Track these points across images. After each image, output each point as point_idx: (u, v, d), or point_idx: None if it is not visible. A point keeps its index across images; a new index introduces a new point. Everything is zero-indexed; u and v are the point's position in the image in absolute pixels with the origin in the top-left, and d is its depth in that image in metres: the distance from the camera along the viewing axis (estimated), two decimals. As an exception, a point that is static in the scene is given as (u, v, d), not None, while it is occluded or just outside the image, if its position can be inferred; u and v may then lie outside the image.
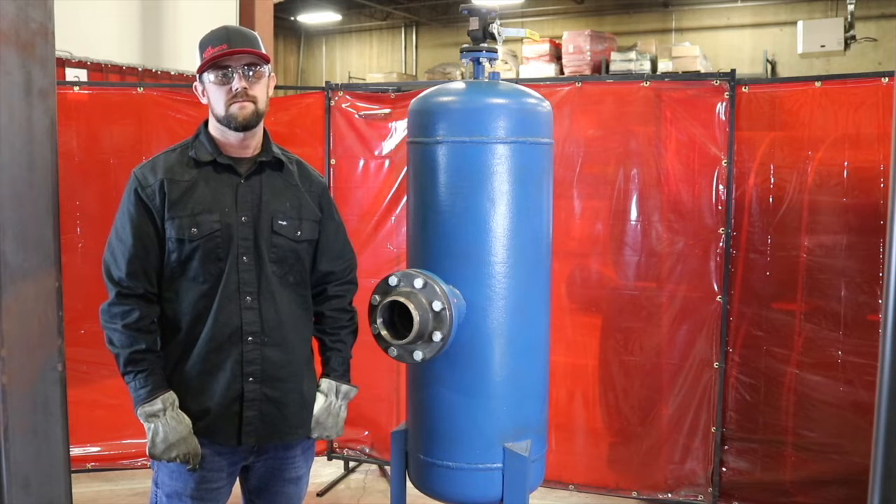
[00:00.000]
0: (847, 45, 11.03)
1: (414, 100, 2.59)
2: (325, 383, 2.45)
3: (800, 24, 11.43)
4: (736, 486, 3.89)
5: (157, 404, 2.22)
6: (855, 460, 3.50)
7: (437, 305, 2.30)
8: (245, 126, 2.27)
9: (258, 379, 2.30)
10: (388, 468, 4.32)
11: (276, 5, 8.98)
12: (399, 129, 4.23)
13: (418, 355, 2.35)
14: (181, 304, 2.29)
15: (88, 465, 4.31)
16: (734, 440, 3.89)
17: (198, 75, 2.32)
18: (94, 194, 4.27)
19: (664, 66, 11.07)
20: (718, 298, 3.80)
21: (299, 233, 2.37)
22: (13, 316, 1.16)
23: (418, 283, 2.33)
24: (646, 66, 11.11)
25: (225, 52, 2.23)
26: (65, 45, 6.56)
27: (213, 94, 2.28)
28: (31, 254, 1.21)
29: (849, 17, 10.80)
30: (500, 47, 2.62)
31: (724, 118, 3.76)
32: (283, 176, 2.39)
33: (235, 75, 2.25)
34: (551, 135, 2.58)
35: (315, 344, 2.52)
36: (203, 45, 2.28)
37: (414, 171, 2.55)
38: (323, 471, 4.56)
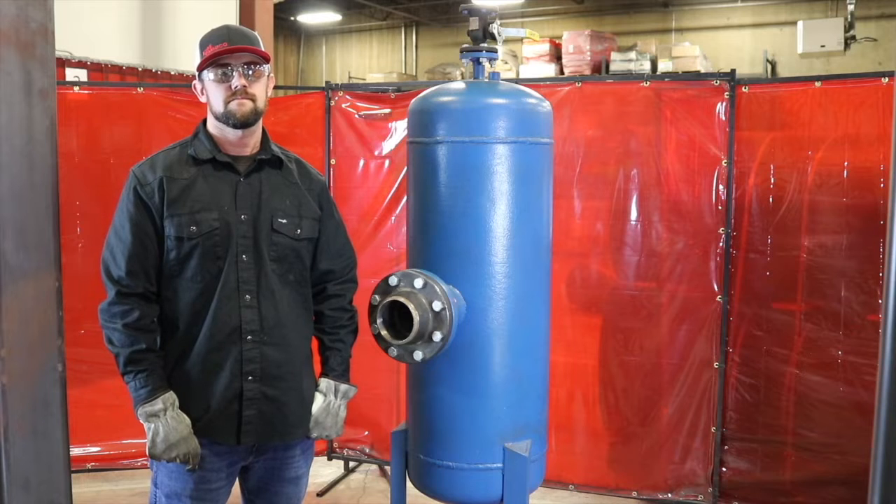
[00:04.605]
0: (847, 45, 11.03)
1: (414, 100, 2.59)
2: (324, 383, 2.45)
3: (800, 24, 11.43)
4: (736, 486, 3.89)
5: (158, 404, 2.21)
6: (855, 460, 3.50)
7: (437, 305, 2.30)
8: (243, 123, 2.27)
9: (257, 378, 2.30)
10: (388, 468, 4.32)
11: (276, 5, 8.98)
12: (399, 129, 4.23)
13: (418, 355, 2.35)
14: (179, 303, 2.29)
15: (88, 465, 4.31)
16: (734, 440, 3.89)
17: (197, 73, 2.32)
18: (94, 194, 4.27)
19: (664, 66, 11.08)
20: (718, 298, 3.80)
21: (299, 231, 2.36)
22: (13, 316, 1.16)
23: (418, 283, 2.33)
24: (646, 66, 11.11)
25: (225, 49, 2.23)
26: (65, 45, 6.55)
27: (212, 91, 2.28)
28: (31, 254, 1.21)
29: (849, 17, 10.80)
30: (500, 47, 2.62)
31: (724, 118, 3.76)
32: (283, 174, 2.39)
33: (235, 73, 2.25)
34: (551, 135, 2.58)
35: (315, 343, 2.52)
36: (203, 43, 2.28)
37: (414, 171, 2.55)
38: (323, 471, 4.56)
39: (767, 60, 12.45)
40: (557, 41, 11.89)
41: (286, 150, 2.47)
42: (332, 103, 4.39)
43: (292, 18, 15.95)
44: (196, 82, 2.34)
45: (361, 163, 4.38)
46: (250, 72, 2.27)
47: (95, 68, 6.90)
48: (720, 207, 3.79)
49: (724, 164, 3.76)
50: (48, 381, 1.24)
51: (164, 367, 2.28)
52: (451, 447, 2.47)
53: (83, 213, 4.27)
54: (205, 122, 2.37)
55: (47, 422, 1.24)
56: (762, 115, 3.81)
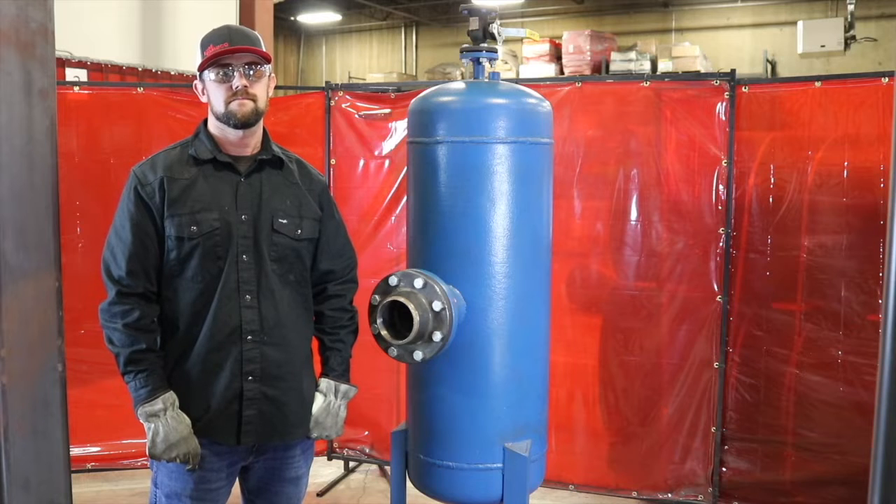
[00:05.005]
0: (847, 45, 11.03)
1: (414, 100, 2.59)
2: (324, 383, 2.45)
3: (800, 24, 11.43)
4: (736, 486, 3.89)
5: (158, 404, 2.22)
6: (855, 460, 3.50)
7: (437, 305, 2.30)
8: (244, 124, 2.27)
9: (257, 378, 2.30)
10: (388, 468, 4.32)
11: (276, 5, 8.98)
12: (399, 129, 4.23)
13: (418, 355, 2.35)
14: (180, 303, 2.29)
15: (88, 465, 4.31)
16: (734, 440, 3.89)
17: (198, 73, 2.32)
18: (94, 194, 4.27)
19: (664, 66, 11.07)
20: (718, 298, 3.80)
21: (300, 231, 2.36)
22: (13, 316, 1.16)
23: (418, 283, 2.33)
24: (646, 66, 11.11)
25: (226, 49, 2.23)
26: (65, 45, 6.55)
27: (213, 91, 2.28)
28: (31, 254, 1.21)
29: (849, 17, 10.80)
30: (500, 47, 2.62)
31: (724, 118, 3.76)
32: (284, 174, 2.39)
33: (236, 73, 2.25)
34: (551, 135, 2.58)
35: (315, 343, 2.52)
36: (204, 44, 2.28)
37: (414, 171, 2.55)
38: (323, 471, 4.56)
39: (767, 60, 12.45)
40: (557, 41, 11.89)
41: (287, 151, 2.47)
42: (332, 103, 4.39)
43: (292, 18, 15.94)
44: (197, 82, 2.34)
45: (361, 163, 4.38)
46: (251, 72, 2.27)
47: (95, 68, 6.90)
48: (720, 207, 3.79)
49: (724, 164, 3.76)
50: (48, 381, 1.24)
51: (164, 367, 2.29)
52: (451, 447, 2.47)
53: (83, 213, 4.27)
54: (206, 122, 2.37)
55: (47, 422, 1.24)
56: (762, 115, 3.81)
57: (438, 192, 2.44)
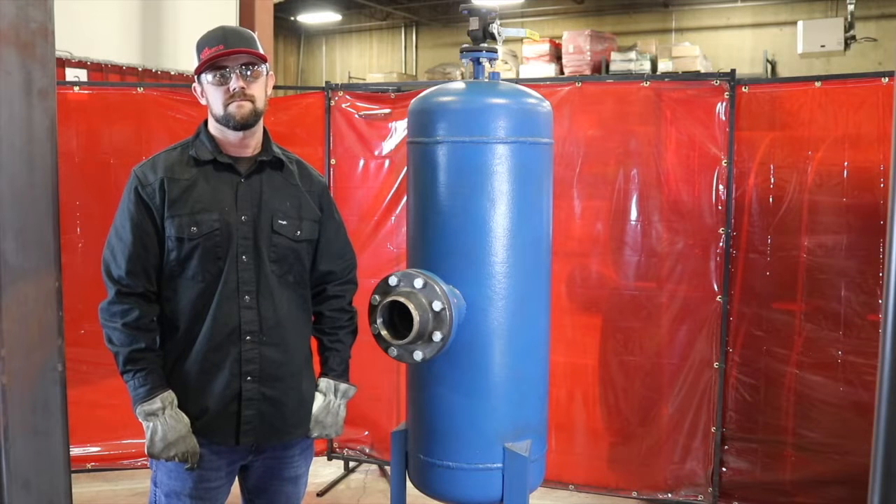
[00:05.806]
0: (847, 45, 11.02)
1: (414, 100, 2.59)
2: (324, 382, 2.45)
3: (800, 24, 11.43)
4: (736, 486, 3.89)
5: (156, 403, 2.22)
6: (855, 460, 3.50)
7: (437, 305, 2.30)
8: (243, 125, 2.27)
9: (256, 378, 2.30)
10: (388, 468, 4.32)
11: (276, 5, 8.97)
12: (399, 129, 4.23)
13: (418, 355, 2.35)
14: (179, 303, 2.29)
15: (88, 465, 4.31)
16: (734, 440, 3.89)
17: (196, 76, 2.32)
18: (94, 194, 4.27)
19: (664, 66, 11.07)
20: (718, 298, 3.80)
21: (299, 232, 2.37)
22: (13, 316, 1.16)
23: (418, 283, 2.33)
24: (646, 66, 11.11)
25: (222, 52, 2.24)
26: (65, 45, 6.56)
27: (211, 94, 2.28)
28: (31, 254, 1.21)
29: (849, 17, 10.79)
30: (500, 47, 2.62)
31: (724, 118, 3.76)
32: (284, 175, 2.40)
33: (233, 75, 2.25)
34: (551, 135, 2.58)
35: (314, 343, 2.53)
36: (200, 46, 2.29)
37: (414, 171, 2.55)
38: (323, 471, 4.56)
39: (767, 60, 12.44)
40: (557, 41, 11.89)
41: (287, 151, 2.47)
42: (332, 103, 4.39)
43: (292, 18, 15.94)
44: (195, 85, 2.35)
45: (361, 163, 4.38)
46: (248, 73, 2.27)
47: (95, 68, 6.90)
48: (720, 207, 3.79)
49: (724, 164, 3.76)
50: (48, 381, 1.24)
51: (163, 367, 2.29)
52: (451, 447, 2.47)
53: (83, 213, 4.27)
54: (206, 122, 2.38)
55: (47, 422, 1.24)
56: (762, 115, 3.81)
57: (438, 192, 2.44)
